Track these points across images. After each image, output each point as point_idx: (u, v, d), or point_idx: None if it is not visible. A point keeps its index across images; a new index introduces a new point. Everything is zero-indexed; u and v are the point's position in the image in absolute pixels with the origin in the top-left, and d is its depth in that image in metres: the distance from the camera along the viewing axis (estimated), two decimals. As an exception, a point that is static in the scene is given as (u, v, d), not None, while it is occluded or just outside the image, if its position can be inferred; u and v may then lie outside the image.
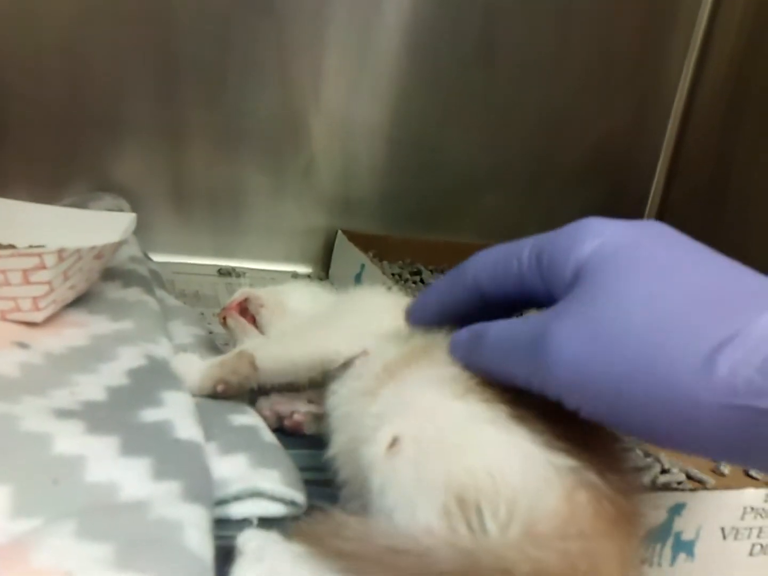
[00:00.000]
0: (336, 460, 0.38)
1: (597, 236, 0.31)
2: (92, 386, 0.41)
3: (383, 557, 0.26)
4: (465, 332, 0.35)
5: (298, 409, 0.45)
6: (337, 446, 0.38)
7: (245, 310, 0.50)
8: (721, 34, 0.88)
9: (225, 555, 0.31)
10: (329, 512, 0.30)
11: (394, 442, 0.30)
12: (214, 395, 0.43)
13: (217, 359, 0.44)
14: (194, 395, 0.42)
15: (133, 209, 0.68)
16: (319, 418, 0.43)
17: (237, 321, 0.50)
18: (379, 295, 0.48)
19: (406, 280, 0.75)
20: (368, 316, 0.44)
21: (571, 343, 0.28)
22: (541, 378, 0.29)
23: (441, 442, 0.30)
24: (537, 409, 0.31)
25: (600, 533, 0.28)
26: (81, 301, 0.50)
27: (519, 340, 0.31)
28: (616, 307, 0.28)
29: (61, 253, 0.45)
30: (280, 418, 0.45)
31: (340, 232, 0.78)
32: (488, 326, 0.33)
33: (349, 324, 0.43)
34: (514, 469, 0.28)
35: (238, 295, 0.51)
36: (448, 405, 0.31)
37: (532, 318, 0.31)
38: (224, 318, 0.50)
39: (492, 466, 0.29)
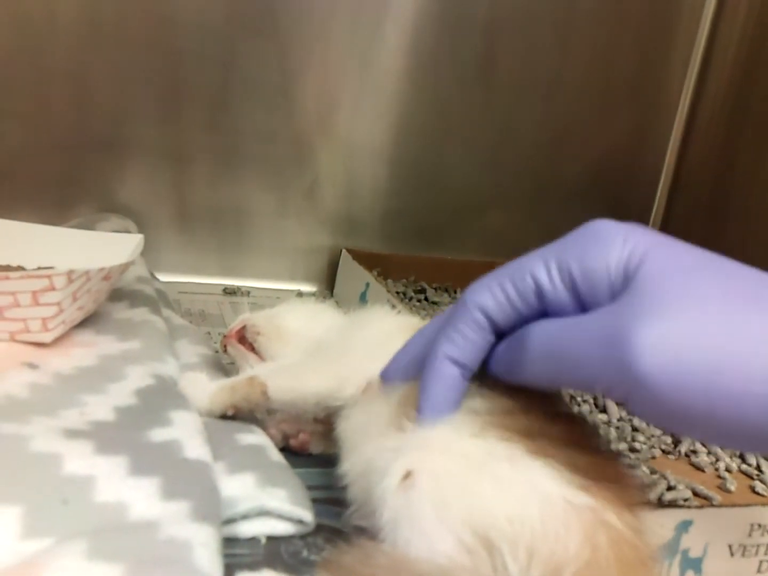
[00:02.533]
0: (347, 477, 0.38)
1: (623, 237, 0.31)
2: (101, 406, 0.41)
3: None
4: (503, 346, 0.32)
5: (305, 428, 0.45)
6: (349, 464, 0.38)
7: (243, 338, 0.50)
8: (721, 50, 0.88)
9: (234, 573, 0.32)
10: (356, 542, 0.30)
11: (407, 476, 0.30)
12: (221, 417, 0.44)
13: (227, 382, 0.45)
14: (201, 416, 0.43)
15: (139, 230, 0.69)
16: (326, 437, 0.44)
17: (236, 349, 0.50)
18: (386, 317, 0.48)
19: (411, 298, 0.76)
20: (377, 342, 0.44)
21: (665, 345, 0.26)
22: (625, 385, 0.27)
23: (457, 478, 0.30)
24: (552, 438, 0.31)
25: None
26: (89, 321, 0.51)
27: (585, 341, 0.28)
28: (706, 309, 0.27)
29: (70, 275, 0.45)
30: (286, 436, 0.46)
31: (344, 250, 0.78)
32: (531, 330, 0.31)
33: (360, 352, 0.43)
34: (532, 512, 0.28)
35: (237, 323, 0.51)
36: (465, 442, 0.31)
37: (594, 317, 0.29)
38: (225, 345, 0.51)
39: (510, 509, 0.28)
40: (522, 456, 0.30)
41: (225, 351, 0.51)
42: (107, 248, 0.54)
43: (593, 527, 0.28)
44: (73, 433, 0.37)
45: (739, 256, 0.88)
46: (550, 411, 0.34)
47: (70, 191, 0.72)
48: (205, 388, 0.44)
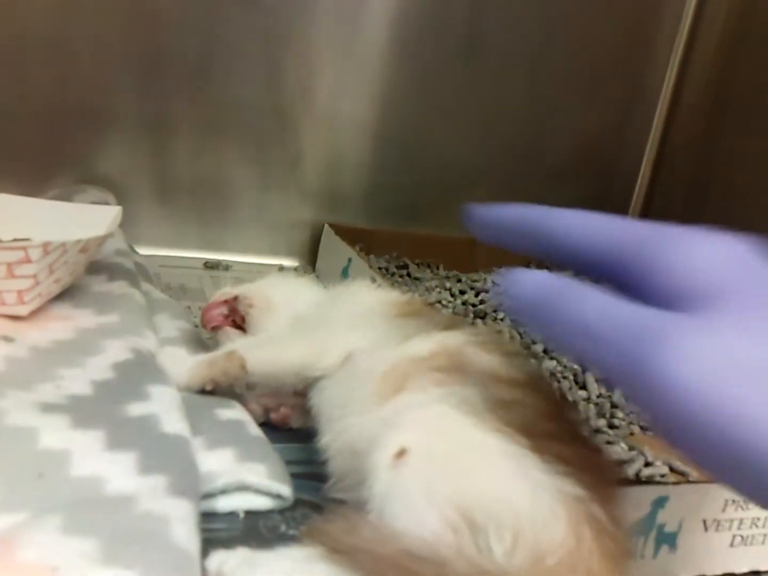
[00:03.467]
0: (327, 449, 0.38)
1: (713, 251, 0.27)
2: (78, 380, 0.40)
3: (400, 560, 0.27)
4: (538, 287, 0.29)
5: (285, 402, 0.45)
6: (329, 437, 0.38)
7: (234, 309, 0.50)
8: (706, 29, 0.88)
9: (211, 548, 0.31)
10: (343, 512, 0.30)
11: (401, 452, 0.30)
12: (200, 391, 0.44)
13: (206, 357, 0.44)
14: (180, 390, 0.42)
15: (119, 202, 0.68)
16: (306, 411, 0.43)
17: (214, 320, 0.49)
18: (368, 291, 0.48)
19: (393, 274, 0.76)
20: (358, 314, 0.44)
21: (695, 362, 0.23)
22: (643, 392, 0.25)
23: (451, 460, 0.30)
24: (545, 431, 0.31)
25: (605, 572, 0.28)
26: (66, 294, 0.50)
27: (620, 331, 0.26)
28: (755, 341, 0.24)
29: (46, 247, 0.44)
30: (267, 411, 0.45)
31: (326, 225, 0.78)
32: (576, 294, 0.28)
33: (341, 323, 0.43)
34: (521, 497, 0.29)
35: (217, 296, 0.50)
36: (461, 425, 0.32)
37: (637, 309, 0.26)
38: (204, 320, 0.50)
39: (500, 492, 0.29)
40: (515, 446, 0.30)
41: (203, 325, 0.50)
42: (85, 220, 0.53)
43: (579, 517, 0.29)
44: (49, 407, 0.37)
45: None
46: (546, 404, 0.34)
47: (48, 162, 0.71)
48: (184, 363, 0.44)
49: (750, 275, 0.26)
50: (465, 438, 0.31)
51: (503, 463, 0.30)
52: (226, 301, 0.50)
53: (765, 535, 0.42)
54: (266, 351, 0.44)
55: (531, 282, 0.30)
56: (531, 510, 0.28)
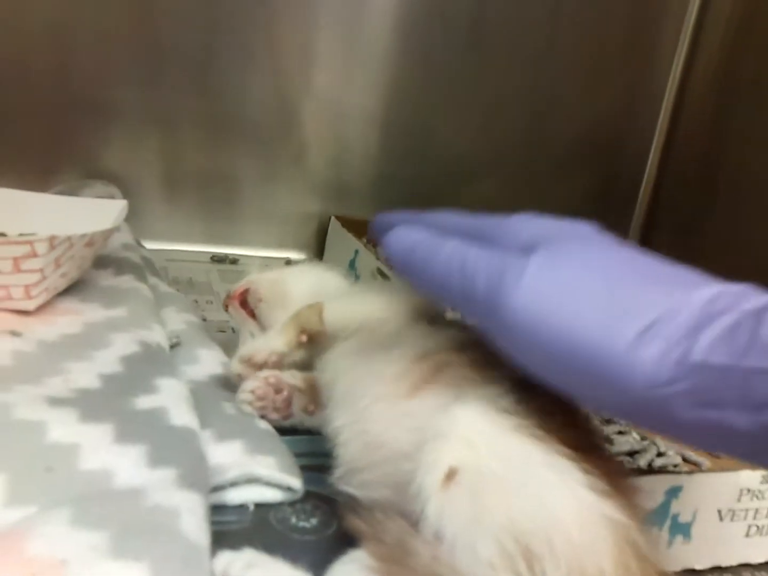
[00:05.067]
0: (340, 434, 0.36)
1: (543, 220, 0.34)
2: (86, 374, 0.40)
3: None
4: (410, 241, 0.34)
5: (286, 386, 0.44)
6: (344, 420, 0.36)
7: (245, 301, 0.49)
8: (713, 18, 0.87)
9: (222, 541, 0.31)
10: (399, 529, 0.29)
11: (451, 473, 0.29)
12: (297, 346, 0.43)
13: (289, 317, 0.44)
14: (276, 354, 0.42)
15: (124, 196, 0.67)
16: (308, 395, 0.42)
17: (238, 313, 0.49)
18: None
19: (401, 266, 0.75)
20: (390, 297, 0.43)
21: (538, 280, 0.29)
22: (498, 326, 0.30)
23: (503, 480, 0.29)
24: (574, 443, 0.31)
25: None
26: (73, 289, 0.50)
27: (470, 278, 0.31)
28: (581, 266, 0.30)
29: (52, 241, 0.44)
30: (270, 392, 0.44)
31: (333, 218, 0.77)
32: (439, 246, 0.33)
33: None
34: (574, 521, 0.28)
35: (242, 284, 0.49)
36: (506, 440, 0.30)
37: (486, 256, 0.31)
38: (226, 306, 0.50)
39: (554, 517, 0.28)
40: (556, 458, 0.30)
41: (227, 310, 0.50)
42: (91, 214, 0.53)
43: (623, 544, 0.28)
44: (57, 401, 0.36)
45: (729, 225, 0.88)
46: (565, 413, 0.33)
47: (53, 157, 0.71)
48: (266, 336, 0.44)
49: (571, 229, 0.33)
50: (514, 453, 0.30)
51: (554, 482, 0.29)
52: (241, 294, 0.49)
53: (780, 524, 0.42)
54: (339, 304, 0.43)
55: (404, 237, 0.35)
56: (582, 535, 0.27)
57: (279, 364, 0.43)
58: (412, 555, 0.27)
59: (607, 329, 0.27)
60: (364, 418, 0.35)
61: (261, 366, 0.43)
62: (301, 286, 0.49)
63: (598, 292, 0.28)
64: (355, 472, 0.35)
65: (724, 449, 0.29)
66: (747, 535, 0.41)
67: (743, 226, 0.80)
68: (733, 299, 0.27)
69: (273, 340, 0.43)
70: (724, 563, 0.41)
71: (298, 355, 0.43)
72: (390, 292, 0.43)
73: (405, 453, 0.32)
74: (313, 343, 0.43)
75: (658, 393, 0.26)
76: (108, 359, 0.42)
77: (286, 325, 0.43)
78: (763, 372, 0.24)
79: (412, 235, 0.35)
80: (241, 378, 0.43)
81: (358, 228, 0.74)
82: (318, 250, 0.80)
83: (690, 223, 0.88)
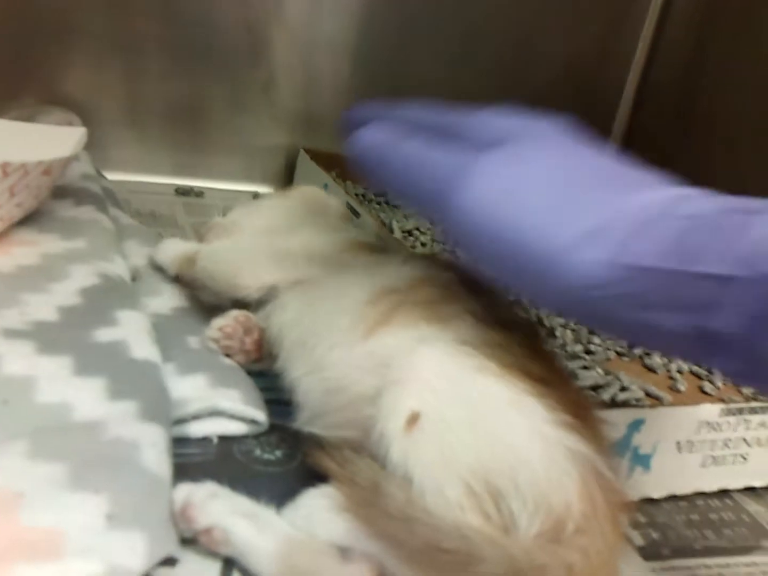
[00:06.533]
0: (298, 385, 0.36)
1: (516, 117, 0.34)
2: (43, 306, 0.39)
3: (428, 550, 0.26)
4: (374, 138, 0.35)
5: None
6: (301, 370, 0.36)
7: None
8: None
9: (185, 473, 0.31)
10: (370, 471, 0.29)
11: (413, 417, 0.29)
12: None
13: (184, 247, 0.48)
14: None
15: (85, 124, 0.64)
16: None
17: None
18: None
19: (371, 201, 0.74)
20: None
21: (486, 180, 0.30)
22: (451, 221, 0.31)
23: (466, 421, 0.29)
24: (537, 374, 0.31)
25: (613, 529, 0.28)
26: (31, 219, 0.48)
27: (428, 172, 0.32)
28: (532, 166, 0.30)
29: (5, 168, 0.42)
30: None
31: (302, 150, 0.75)
32: (401, 143, 0.34)
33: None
34: (538, 457, 0.28)
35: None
36: (468, 381, 0.30)
37: (443, 154, 0.32)
38: None
39: (519, 454, 0.28)
40: (521, 396, 0.30)
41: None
42: (47, 142, 0.50)
43: (588, 477, 0.28)
44: (12, 333, 0.36)
45: (702, 158, 0.87)
46: (528, 341, 0.33)
47: (9, 81, 0.68)
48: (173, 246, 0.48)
49: (531, 128, 0.33)
50: (475, 391, 0.30)
51: (517, 419, 0.29)
52: None
53: (735, 455, 0.43)
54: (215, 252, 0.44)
55: (368, 136, 0.36)
56: (547, 471, 0.28)
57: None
58: (386, 497, 0.27)
59: (549, 229, 0.28)
60: (322, 366, 0.34)
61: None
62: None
63: (543, 194, 0.29)
64: (319, 416, 0.34)
65: (662, 350, 0.32)
66: (703, 465, 0.42)
67: (713, 169, 0.80)
68: (670, 204, 0.27)
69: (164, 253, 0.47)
70: (680, 492, 0.42)
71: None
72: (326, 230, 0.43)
73: (367, 396, 0.31)
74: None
75: (594, 294, 0.27)
76: (67, 291, 0.41)
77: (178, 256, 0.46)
78: (689, 275, 0.25)
79: (376, 134, 0.35)
80: None
81: (328, 161, 0.72)
82: (286, 184, 0.78)
83: (664, 155, 0.88)
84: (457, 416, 0.29)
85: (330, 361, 0.34)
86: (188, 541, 0.29)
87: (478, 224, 0.30)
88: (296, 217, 0.47)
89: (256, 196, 0.77)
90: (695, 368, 0.49)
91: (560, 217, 0.28)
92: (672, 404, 0.43)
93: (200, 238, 0.50)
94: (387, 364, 0.31)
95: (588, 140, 0.33)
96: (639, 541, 0.38)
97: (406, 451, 0.29)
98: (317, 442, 0.32)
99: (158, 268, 0.49)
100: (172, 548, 0.28)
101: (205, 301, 0.45)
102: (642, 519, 0.40)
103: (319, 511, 0.29)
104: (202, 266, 0.44)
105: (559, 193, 0.29)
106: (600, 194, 0.29)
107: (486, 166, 0.31)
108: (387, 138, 0.35)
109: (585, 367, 0.46)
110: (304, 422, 0.35)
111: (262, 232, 0.45)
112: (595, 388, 0.44)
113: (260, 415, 0.37)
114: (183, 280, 0.46)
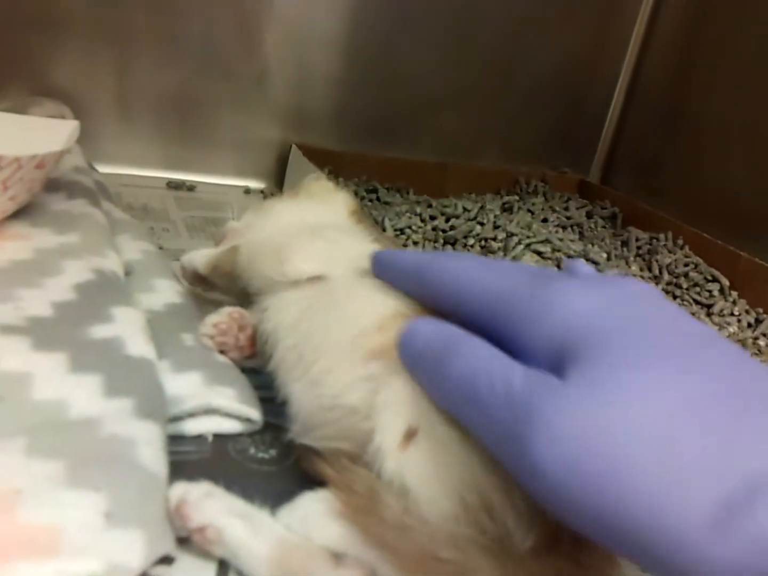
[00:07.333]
0: (294, 397, 0.35)
1: (580, 305, 0.26)
2: (37, 301, 0.39)
3: (423, 560, 0.26)
4: (428, 338, 0.29)
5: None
6: (298, 385, 0.35)
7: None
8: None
9: (181, 471, 0.31)
10: (368, 479, 0.29)
11: (410, 433, 0.29)
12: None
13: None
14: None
15: (76, 117, 0.64)
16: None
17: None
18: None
19: (362, 198, 0.74)
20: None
21: (563, 444, 0.22)
22: (524, 472, 0.24)
23: (461, 439, 0.28)
24: None
25: None
26: (23, 213, 0.48)
27: (497, 392, 0.25)
28: (623, 405, 0.22)
29: (-1, 161, 0.42)
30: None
31: (294, 146, 0.75)
32: (460, 343, 0.28)
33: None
34: None
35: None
36: None
37: (516, 379, 0.25)
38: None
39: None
40: None
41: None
42: (40, 134, 0.50)
43: None
44: (7, 329, 0.35)
45: (691, 162, 0.88)
46: None
47: (0, 71, 0.67)
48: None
49: (620, 324, 0.25)
50: None
51: None
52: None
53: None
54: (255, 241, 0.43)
55: (422, 333, 0.29)
56: None
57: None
58: (383, 506, 0.27)
59: (671, 504, 0.20)
60: (317, 383, 0.33)
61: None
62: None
63: (659, 442, 0.21)
64: (312, 429, 0.34)
65: None
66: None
67: (702, 167, 0.81)
68: None
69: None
70: None
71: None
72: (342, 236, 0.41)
73: (363, 412, 0.31)
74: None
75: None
76: (61, 287, 0.41)
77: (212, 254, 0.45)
78: None
79: (432, 332, 0.29)
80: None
81: (320, 157, 0.72)
82: (278, 180, 0.79)
83: (653, 159, 0.89)
84: (452, 432, 0.29)
85: (327, 381, 0.33)
86: (184, 540, 0.29)
87: (561, 481, 0.22)
88: (314, 216, 0.46)
89: (247, 191, 0.77)
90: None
91: (685, 479, 0.21)
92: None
93: (217, 243, 0.49)
94: (386, 383, 0.31)
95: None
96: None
97: (402, 465, 0.29)
98: (312, 449, 0.32)
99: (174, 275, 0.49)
100: (170, 547, 0.28)
101: (223, 296, 0.46)
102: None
103: (315, 514, 0.29)
104: (246, 258, 0.42)
105: (692, 438, 0.22)
106: (749, 439, 0.21)
107: (568, 400, 0.23)
108: (443, 339, 0.28)
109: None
110: (297, 434, 0.34)
111: (289, 230, 0.44)
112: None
113: (255, 414, 0.37)
114: (211, 278, 0.45)
